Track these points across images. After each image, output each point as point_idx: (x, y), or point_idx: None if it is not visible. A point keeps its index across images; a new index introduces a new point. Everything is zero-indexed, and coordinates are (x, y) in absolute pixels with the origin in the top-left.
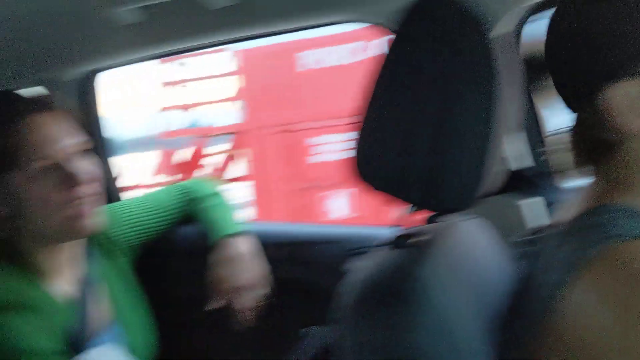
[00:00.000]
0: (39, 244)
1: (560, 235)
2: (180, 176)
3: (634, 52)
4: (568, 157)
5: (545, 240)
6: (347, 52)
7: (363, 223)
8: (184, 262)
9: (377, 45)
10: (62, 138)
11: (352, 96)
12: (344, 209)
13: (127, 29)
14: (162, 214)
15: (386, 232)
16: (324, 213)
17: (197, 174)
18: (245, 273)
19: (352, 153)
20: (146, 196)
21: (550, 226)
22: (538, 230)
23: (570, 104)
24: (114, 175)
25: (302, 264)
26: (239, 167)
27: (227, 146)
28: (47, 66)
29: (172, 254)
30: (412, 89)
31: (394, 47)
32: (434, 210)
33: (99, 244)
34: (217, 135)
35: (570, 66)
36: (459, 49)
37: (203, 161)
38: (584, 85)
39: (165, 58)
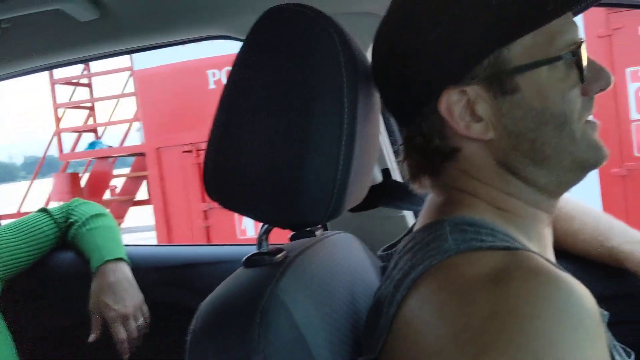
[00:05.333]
0: None
1: (400, 251)
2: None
3: (463, 58)
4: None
5: (393, 256)
6: None
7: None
8: (61, 289)
9: None
10: None
11: None
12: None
13: None
14: (34, 241)
15: (246, 251)
16: (235, 233)
17: (101, 197)
18: (126, 301)
19: (203, 168)
20: (14, 223)
21: (399, 241)
22: (394, 245)
23: (400, 118)
24: None
25: (185, 287)
26: (141, 190)
27: (128, 169)
28: None
29: (49, 280)
30: (258, 98)
31: (242, 55)
32: (286, 228)
33: None
34: (118, 157)
35: (399, 79)
36: (307, 56)
37: (106, 184)
38: (414, 97)
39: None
